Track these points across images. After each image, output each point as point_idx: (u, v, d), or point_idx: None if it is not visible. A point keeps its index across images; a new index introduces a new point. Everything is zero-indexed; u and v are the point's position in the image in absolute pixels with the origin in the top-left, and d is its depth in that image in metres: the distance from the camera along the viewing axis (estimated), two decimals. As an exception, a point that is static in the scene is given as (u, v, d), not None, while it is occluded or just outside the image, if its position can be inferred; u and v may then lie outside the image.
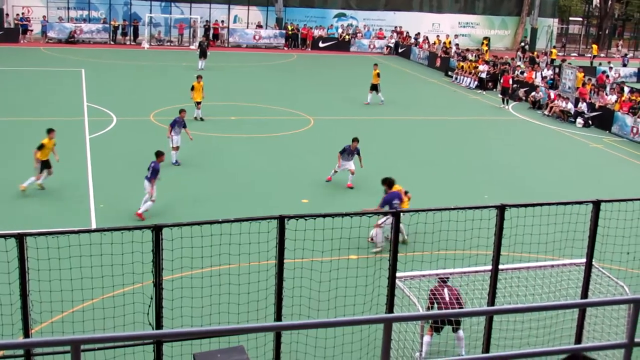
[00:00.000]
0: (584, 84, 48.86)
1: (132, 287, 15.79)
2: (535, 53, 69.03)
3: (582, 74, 51.55)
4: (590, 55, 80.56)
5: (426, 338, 15.64)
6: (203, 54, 56.94)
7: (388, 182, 22.90)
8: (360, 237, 21.45)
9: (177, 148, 30.46)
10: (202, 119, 38.25)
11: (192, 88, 38.59)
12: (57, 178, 27.34)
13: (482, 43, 77.06)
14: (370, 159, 30.44)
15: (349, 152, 28.75)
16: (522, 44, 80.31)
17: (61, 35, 69.07)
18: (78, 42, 68.52)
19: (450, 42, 71.44)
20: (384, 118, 41.95)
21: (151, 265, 12.02)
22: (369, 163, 29.48)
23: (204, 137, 34.73)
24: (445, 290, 15.86)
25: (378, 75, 45.85)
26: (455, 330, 16.05)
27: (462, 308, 15.72)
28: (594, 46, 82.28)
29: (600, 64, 68.57)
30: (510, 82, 50.53)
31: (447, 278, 16.23)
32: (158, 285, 12.12)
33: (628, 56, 79.10)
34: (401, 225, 21.41)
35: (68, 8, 71.06)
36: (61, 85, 46.30)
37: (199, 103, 38.60)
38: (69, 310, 15.56)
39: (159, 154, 25.02)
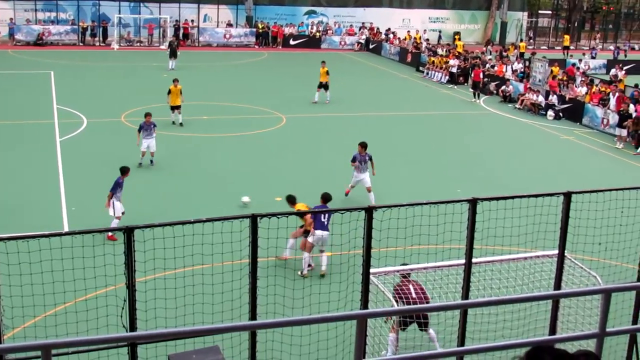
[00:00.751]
0: (554, 77, 49.08)
1: (104, 289, 15.72)
2: (511, 47, 69.36)
3: (558, 68, 51.91)
4: (560, 47, 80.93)
5: (391, 336, 15.65)
6: (173, 54, 56.82)
7: (290, 200, 21.19)
8: (333, 233, 21.46)
9: (151, 153, 30.19)
10: (181, 124, 36.79)
11: (169, 92, 36.81)
12: (28, 181, 27.19)
13: (455, 38, 77.27)
14: (342, 156, 30.39)
15: (360, 161, 26.50)
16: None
17: (29, 37, 68.61)
18: (46, 44, 68.09)
19: (420, 38, 71.51)
20: (355, 115, 41.97)
21: (124, 267, 11.97)
22: (341, 159, 29.46)
23: (177, 137, 34.62)
24: (411, 286, 15.84)
25: (327, 73, 44.93)
26: (423, 328, 16.04)
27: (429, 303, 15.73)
28: (566, 37, 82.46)
29: (571, 56, 68.87)
30: (481, 76, 50.75)
31: (409, 273, 16.22)
32: (131, 287, 12.06)
33: (598, 48, 79.70)
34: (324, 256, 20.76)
35: (36, 10, 70.61)
36: (30, 88, 45.97)
37: (177, 107, 36.73)
38: (41, 315, 15.47)
39: (124, 170, 23.80)
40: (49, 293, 13.71)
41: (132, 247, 11.83)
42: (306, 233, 19.87)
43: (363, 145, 26.66)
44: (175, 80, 36.58)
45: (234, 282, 14.26)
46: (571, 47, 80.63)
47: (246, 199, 25.41)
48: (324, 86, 45.15)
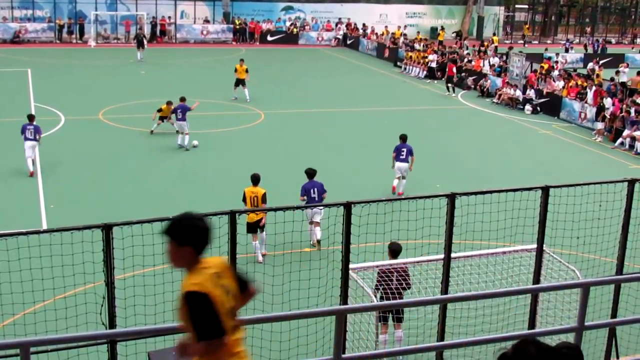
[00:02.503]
0: (534, 71, 49.22)
1: (83, 287, 15.65)
2: (490, 41, 69.50)
3: (547, 65, 52.10)
4: (537, 42, 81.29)
5: (382, 337, 15.68)
6: (141, 45, 58.01)
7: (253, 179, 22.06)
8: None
9: (187, 133, 32.49)
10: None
11: (159, 110, 34.73)
12: (6, 179, 27.06)
13: (439, 33, 77.23)
14: (320, 152, 30.44)
15: (399, 152, 27.50)
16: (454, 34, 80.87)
17: (6, 35, 68.22)
18: (23, 41, 67.73)
19: (402, 34, 71.47)
20: (334, 110, 41.98)
21: (102, 264, 11.93)
22: (322, 155, 29.46)
23: (154, 135, 34.52)
24: (395, 275, 15.83)
25: (246, 71, 43.81)
26: (396, 322, 16.05)
27: (404, 291, 15.78)
28: (525, 26, 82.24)
29: (546, 50, 69.01)
30: (454, 70, 51.02)
31: (399, 252, 16.26)
32: (110, 284, 12.03)
33: (573, 42, 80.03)
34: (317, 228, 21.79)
35: (12, 7, 70.13)
36: (7, 86, 45.71)
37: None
38: (20, 313, 15.41)
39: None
40: (28, 291, 13.66)
41: (110, 245, 11.80)
42: None
43: (403, 139, 28.07)
44: (169, 103, 34.84)
45: (214, 279, 14.21)
46: (547, 42, 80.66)
47: (195, 142, 31.45)
48: (241, 83, 43.72)
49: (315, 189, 22.56)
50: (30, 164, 27.93)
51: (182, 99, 33.66)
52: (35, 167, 28.01)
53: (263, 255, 20.48)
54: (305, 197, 22.42)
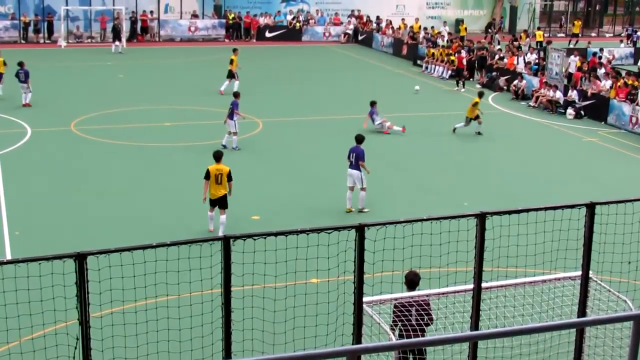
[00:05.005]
0: (579, 69, 49.22)
1: (54, 327, 15.64)
2: (523, 34, 69.56)
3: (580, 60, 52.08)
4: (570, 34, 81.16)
5: None
6: (117, 36, 61.36)
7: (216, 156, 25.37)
8: (319, 257, 21.43)
9: (235, 133, 34.59)
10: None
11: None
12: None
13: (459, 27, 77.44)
14: (329, 165, 30.45)
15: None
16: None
17: (-39, 34, 68.59)
18: (-18, 42, 68.15)
19: (420, 27, 71.48)
20: (341, 117, 41.96)
21: (75, 300, 11.92)
22: (328, 168, 29.45)
23: (136, 147, 34.63)
24: (413, 309, 15.78)
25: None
26: None
27: (427, 326, 15.77)
28: (576, 23, 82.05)
29: (589, 44, 68.88)
30: (464, 62, 51.73)
31: (416, 283, 16.24)
32: (85, 323, 12.02)
33: (622, 34, 79.95)
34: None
35: (-32, 3, 70.52)
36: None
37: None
38: (-19, 358, 15.43)
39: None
40: (-11, 332, 13.68)
41: (84, 277, 11.79)
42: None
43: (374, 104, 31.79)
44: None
45: (205, 316, 14.23)
46: (592, 34, 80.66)
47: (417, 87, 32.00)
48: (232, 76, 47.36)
49: (354, 154, 27.11)
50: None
51: (236, 95, 36.03)
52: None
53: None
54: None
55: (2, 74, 45.05)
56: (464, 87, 50.70)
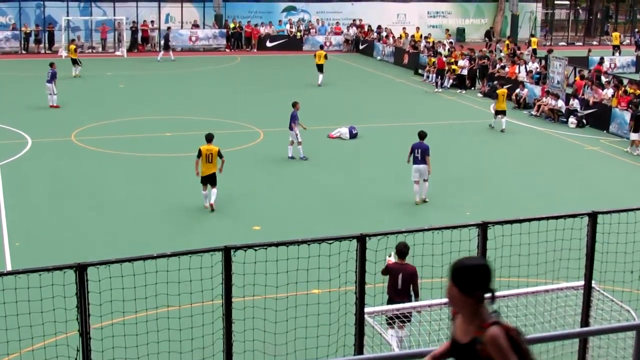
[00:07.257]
0: (582, 77, 49.19)
1: (54, 338, 15.61)
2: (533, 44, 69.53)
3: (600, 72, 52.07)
4: (581, 43, 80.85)
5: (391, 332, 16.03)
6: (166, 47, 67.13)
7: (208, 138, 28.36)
8: (320, 267, 21.39)
9: (299, 143, 35.06)
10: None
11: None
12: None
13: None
14: (327, 175, 30.39)
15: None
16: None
17: (-38, 45, 68.63)
18: (-17, 52, 68.21)
19: (421, 36, 71.55)
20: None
21: (76, 311, 11.89)
22: (327, 180, 29.40)
23: (137, 157, 34.59)
24: (401, 274, 16.57)
25: (325, 57, 51.94)
26: (400, 325, 16.34)
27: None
28: (615, 34, 79.50)
29: (589, 51, 68.75)
30: (445, 61, 52.97)
31: (405, 253, 17.18)
32: (85, 334, 12.00)
33: (624, 43, 79.60)
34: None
35: (-31, 14, 70.58)
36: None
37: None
38: (-19, 370, 15.39)
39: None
40: (-11, 344, 13.65)
41: (85, 288, 11.76)
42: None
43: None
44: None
45: (206, 327, 14.20)
46: (593, 43, 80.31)
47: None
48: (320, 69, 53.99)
49: (420, 150, 28.56)
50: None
51: (294, 105, 35.96)
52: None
53: (211, 206, 27.95)
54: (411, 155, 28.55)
55: None
56: (441, 88, 53.69)
